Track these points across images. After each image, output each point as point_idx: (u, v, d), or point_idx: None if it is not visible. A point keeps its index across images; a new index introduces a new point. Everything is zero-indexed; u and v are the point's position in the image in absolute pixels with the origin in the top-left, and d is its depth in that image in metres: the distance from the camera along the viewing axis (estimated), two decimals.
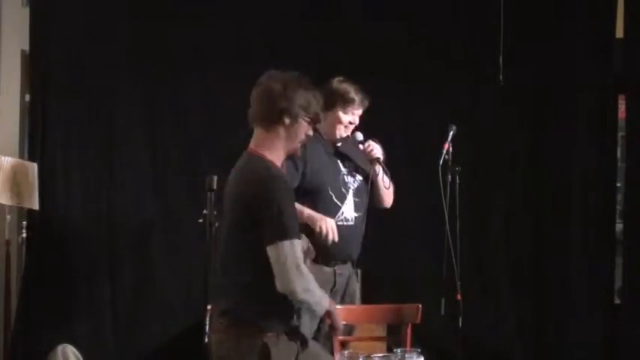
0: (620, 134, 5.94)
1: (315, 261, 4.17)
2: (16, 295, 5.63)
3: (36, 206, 5.40)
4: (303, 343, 3.38)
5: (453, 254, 4.71)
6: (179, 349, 5.47)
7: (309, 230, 4.10)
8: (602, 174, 5.82)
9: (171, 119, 5.78)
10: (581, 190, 5.81)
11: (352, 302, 4.43)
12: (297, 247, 3.21)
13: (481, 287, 5.68)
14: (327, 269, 4.31)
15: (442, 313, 4.82)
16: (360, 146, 4.41)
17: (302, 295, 3.22)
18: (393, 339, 4.15)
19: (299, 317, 3.43)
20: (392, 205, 4.60)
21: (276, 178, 3.27)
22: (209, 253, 4.67)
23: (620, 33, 5.81)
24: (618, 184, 5.91)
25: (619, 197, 5.92)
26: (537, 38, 5.82)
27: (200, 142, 5.76)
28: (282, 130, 3.33)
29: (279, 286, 3.19)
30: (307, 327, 3.84)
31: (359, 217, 4.39)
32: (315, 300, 3.29)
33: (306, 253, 3.69)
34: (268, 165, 3.30)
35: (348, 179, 4.41)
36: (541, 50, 5.82)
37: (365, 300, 4.83)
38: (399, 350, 3.39)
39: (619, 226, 5.88)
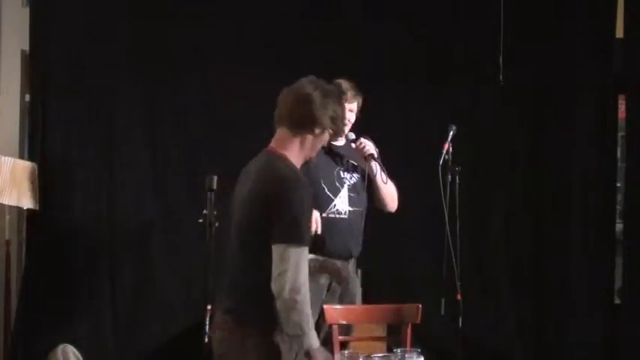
0: (620, 134, 5.94)
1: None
2: (16, 295, 5.63)
3: (36, 206, 5.41)
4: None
5: (453, 254, 4.71)
6: (179, 349, 5.46)
7: None
8: (602, 174, 5.82)
9: (171, 119, 5.78)
10: (581, 190, 5.81)
11: (352, 302, 4.43)
12: (305, 256, 3.16)
13: (481, 287, 5.68)
14: (322, 281, 4.33)
15: (442, 313, 4.82)
16: (353, 145, 4.43)
17: (288, 305, 3.13)
18: (393, 339, 4.15)
19: None
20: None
21: (299, 180, 3.25)
22: (209, 253, 4.67)
23: (620, 33, 5.81)
24: (618, 184, 5.91)
25: (619, 197, 5.92)
26: (537, 38, 5.82)
27: (200, 142, 5.76)
28: (309, 138, 3.33)
29: (273, 285, 3.15)
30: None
31: (354, 211, 4.41)
32: (299, 320, 3.15)
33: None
34: (291, 166, 3.28)
35: (345, 175, 4.44)
36: (541, 50, 5.82)
37: (365, 300, 4.83)
38: (399, 350, 3.39)
39: (619, 226, 5.88)
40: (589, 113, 5.81)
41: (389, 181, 4.51)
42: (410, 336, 3.95)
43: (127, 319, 5.68)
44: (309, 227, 3.27)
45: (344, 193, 4.41)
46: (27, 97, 5.91)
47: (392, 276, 5.64)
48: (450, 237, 4.73)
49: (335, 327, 3.95)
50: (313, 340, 3.15)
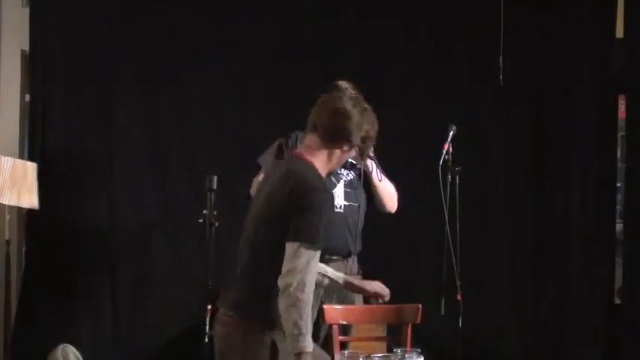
0: (620, 134, 5.94)
1: None
2: (16, 295, 5.63)
3: (36, 206, 5.41)
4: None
5: (453, 254, 4.71)
6: (179, 349, 5.46)
7: None
8: (602, 174, 5.82)
9: (171, 119, 5.78)
10: (581, 190, 5.81)
11: (352, 302, 4.43)
12: (316, 259, 3.18)
13: (481, 287, 5.67)
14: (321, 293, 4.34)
15: (442, 313, 4.82)
16: None
17: (290, 301, 3.15)
18: (393, 339, 4.15)
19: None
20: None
21: (322, 186, 3.29)
22: (209, 253, 4.67)
23: (620, 33, 5.81)
24: (618, 184, 5.91)
25: (619, 197, 5.92)
26: (537, 38, 5.82)
27: (200, 142, 5.76)
28: (337, 152, 3.38)
29: (280, 280, 3.16)
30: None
31: (350, 206, 4.41)
32: (297, 317, 3.15)
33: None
34: (316, 172, 3.33)
35: (341, 171, 4.44)
36: (541, 50, 5.82)
37: (365, 300, 4.82)
38: (399, 350, 3.38)
39: (619, 226, 5.88)
40: (589, 113, 5.81)
41: (387, 180, 4.50)
42: (410, 336, 3.94)
43: (127, 319, 5.68)
44: (323, 234, 3.27)
45: (340, 187, 4.40)
46: (27, 97, 5.91)
47: (392, 276, 5.61)
48: (450, 237, 4.73)
49: (335, 327, 3.95)
50: (307, 343, 3.15)
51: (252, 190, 4.55)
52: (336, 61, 5.57)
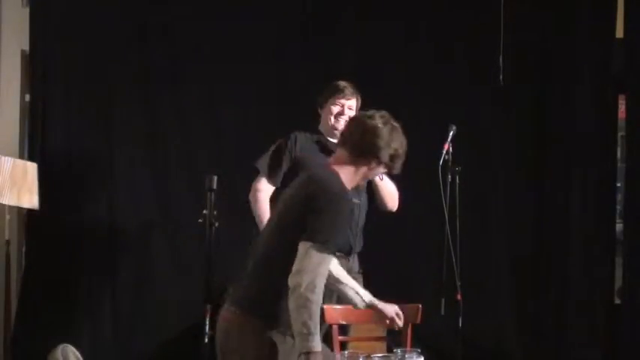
0: (620, 134, 5.94)
1: None
2: (16, 295, 5.63)
3: (36, 206, 5.40)
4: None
5: (453, 254, 4.71)
6: (179, 349, 5.47)
7: None
8: (602, 174, 5.82)
9: (171, 119, 5.78)
10: (581, 190, 5.81)
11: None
12: (327, 263, 3.18)
13: (481, 287, 5.67)
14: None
15: (442, 313, 4.82)
16: None
17: (301, 301, 3.16)
18: (393, 339, 4.14)
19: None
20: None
21: (343, 195, 3.30)
22: (209, 253, 4.67)
23: (620, 33, 5.81)
24: (618, 184, 5.91)
25: (619, 197, 5.92)
26: (537, 38, 5.82)
27: (200, 142, 5.76)
28: (364, 168, 3.39)
29: (290, 279, 3.16)
30: None
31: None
32: (306, 318, 3.15)
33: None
34: (341, 183, 3.33)
35: None
36: (541, 50, 5.82)
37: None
38: (399, 350, 3.38)
39: (619, 226, 5.88)
40: (589, 113, 5.81)
41: (388, 179, 4.51)
42: (410, 336, 3.94)
43: (127, 319, 5.68)
44: (338, 241, 3.28)
45: None
46: (27, 97, 5.91)
47: (392, 276, 5.64)
48: (450, 237, 4.73)
49: (335, 327, 3.94)
50: (316, 343, 3.15)
51: (252, 196, 4.56)
52: (336, 61, 5.57)
